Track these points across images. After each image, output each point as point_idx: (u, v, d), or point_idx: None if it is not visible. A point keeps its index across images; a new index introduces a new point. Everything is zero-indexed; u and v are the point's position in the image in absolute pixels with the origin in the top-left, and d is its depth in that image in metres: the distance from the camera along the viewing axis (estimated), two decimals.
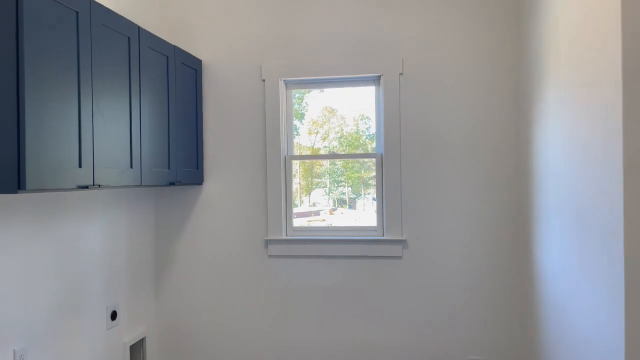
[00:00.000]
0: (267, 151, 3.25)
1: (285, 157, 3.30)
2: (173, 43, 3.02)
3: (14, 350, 2.11)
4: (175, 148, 2.88)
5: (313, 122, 3.46)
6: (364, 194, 3.48)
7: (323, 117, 3.46)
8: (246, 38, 3.28)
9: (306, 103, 3.44)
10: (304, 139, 3.42)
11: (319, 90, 3.44)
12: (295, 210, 3.37)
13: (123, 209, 2.96)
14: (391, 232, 3.14)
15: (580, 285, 2.16)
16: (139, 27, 2.50)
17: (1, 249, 2.06)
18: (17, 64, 1.72)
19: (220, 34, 3.31)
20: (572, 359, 2.26)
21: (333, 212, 3.50)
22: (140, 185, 2.50)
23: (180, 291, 3.35)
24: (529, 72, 2.81)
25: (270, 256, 3.26)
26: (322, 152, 3.48)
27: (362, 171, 3.45)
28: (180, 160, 2.94)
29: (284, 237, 3.25)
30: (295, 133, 3.40)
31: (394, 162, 3.13)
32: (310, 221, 3.49)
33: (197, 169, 3.21)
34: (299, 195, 3.40)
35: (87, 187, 2.03)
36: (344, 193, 3.55)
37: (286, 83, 3.32)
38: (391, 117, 3.13)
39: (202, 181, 3.30)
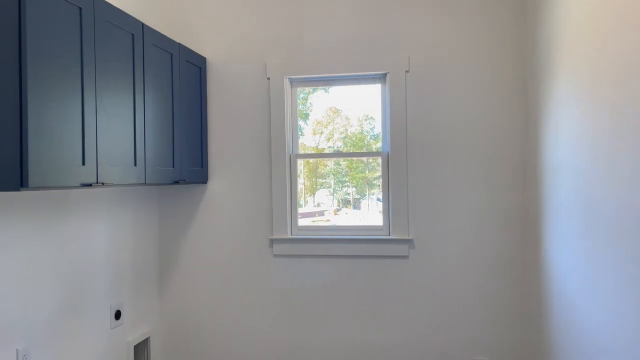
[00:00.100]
0: (272, 149, 3.22)
1: (290, 155, 3.27)
2: (177, 40, 2.99)
3: (16, 350, 2.09)
4: (180, 146, 2.85)
5: (317, 123, 3.43)
6: (369, 194, 3.45)
7: (327, 118, 3.43)
8: (251, 36, 3.26)
9: (310, 103, 3.42)
10: (308, 139, 3.39)
11: (323, 91, 3.41)
12: (299, 210, 3.34)
13: (127, 207, 2.94)
14: (397, 231, 3.11)
15: (594, 285, 2.12)
16: (143, 24, 2.47)
17: (4, 247, 2.04)
18: (20, 60, 1.70)
19: (225, 31, 3.28)
20: None
21: (337, 213, 3.48)
22: (145, 184, 2.48)
23: (185, 290, 3.32)
24: (537, 68, 2.78)
25: (275, 255, 3.23)
26: (326, 152, 3.45)
27: (367, 171, 3.42)
28: (184, 159, 2.92)
29: (289, 236, 3.22)
30: (300, 133, 3.37)
31: (400, 160, 3.10)
32: (314, 221, 3.47)
33: (202, 167, 3.19)
34: (303, 195, 3.37)
35: (90, 185, 2.01)
36: (348, 193, 3.52)
37: (291, 81, 3.29)
38: (397, 115, 3.10)
39: (207, 180, 3.28)
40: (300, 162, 3.39)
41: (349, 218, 3.48)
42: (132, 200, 2.99)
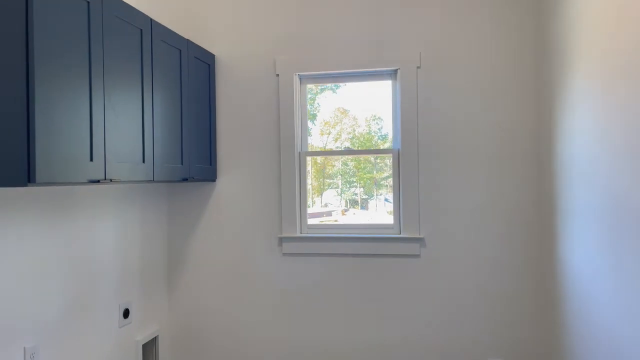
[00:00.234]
0: (281, 147, 3.19)
1: (300, 153, 3.24)
2: (186, 37, 2.97)
3: (24, 348, 2.08)
4: (188, 143, 2.83)
5: (325, 123, 3.40)
6: (376, 195, 3.41)
7: (335, 118, 3.40)
8: (260, 32, 3.23)
9: (318, 104, 3.38)
10: (316, 140, 3.36)
11: (331, 91, 3.38)
12: (307, 210, 3.30)
13: (135, 205, 2.92)
14: (408, 229, 3.06)
15: (613, 283, 2.07)
16: (151, 19, 2.45)
17: (12, 244, 2.03)
18: (27, 55, 1.67)
19: (234, 28, 3.26)
20: None
21: (345, 213, 3.44)
22: (153, 181, 2.46)
23: (193, 289, 3.30)
24: (552, 64, 2.72)
25: (284, 254, 3.19)
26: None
27: (374, 171, 3.38)
28: (193, 156, 2.89)
29: (298, 234, 3.19)
30: (307, 134, 3.34)
31: (411, 157, 3.05)
32: (322, 222, 3.43)
33: (210, 165, 3.16)
34: (310, 196, 3.34)
35: (98, 181, 1.99)
36: (356, 194, 3.49)
37: (300, 78, 3.26)
38: (408, 111, 3.06)
39: (216, 178, 3.25)
40: (308, 163, 3.35)
41: (357, 218, 3.44)
42: (140, 198, 2.97)
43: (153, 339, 3.09)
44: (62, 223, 2.31)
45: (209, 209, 3.29)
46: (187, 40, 2.85)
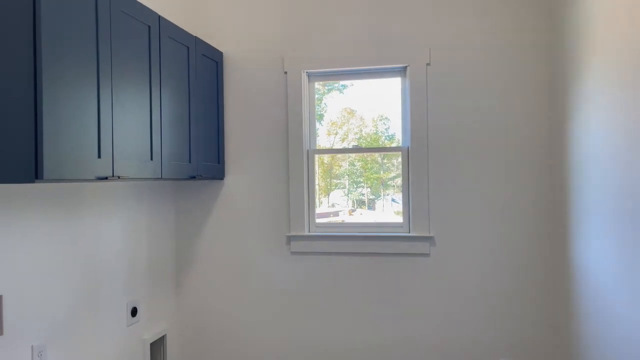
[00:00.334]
0: (290, 145, 3.16)
1: (308, 151, 3.21)
2: (194, 34, 2.95)
3: (32, 346, 2.06)
4: (196, 141, 2.81)
5: (332, 124, 3.38)
6: (383, 195, 3.38)
7: (342, 118, 3.38)
8: (268, 29, 3.20)
9: (325, 104, 3.36)
10: (323, 140, 3.33)
11: (338, 92, 3.35)
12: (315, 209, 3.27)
13: (143, 203, 2.91)
14: (418, 228, 3.03)
15: (632, 288, 2.03)
16: (159, 15, 2.43)
17: (20, 242, 2.02)
18: (35, 50, 1.66)
19: (242, 25, 3.24)
20: None
21: (352, 213, 3.41)
22: (161, 178, 2.44)
23: (201, 287, 3.28)
24: (565, 59, 2.67)
25: (292, 253, 3.17)
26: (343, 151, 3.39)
27: (382, 172, 3.35)
28: (201, 154, 2.87)
29: (306, 233, 3.16)
30: (316, 131, 3.31)
31: (421, 155, 3.02)
32: (329, 222, 3.40)
33: (219, 163, 3.15)
34: (317, 195, 3.31)
35: (106, 178, 1.97)
36: (363, 194, 3.46)
37: (309, 75, 3.23)
38: (418, 109, 3.02)
39: (224, 176, 3.23)
40: (315, 164, 3.31)
41: (364, 219, 3.41)
42: (147, 197, 2.96)
43: (161, 337, 3.07)
44: (69, 221, 2.30)
45: (217, 208, 3.27)
46: (195, 37, 2.83)
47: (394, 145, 3.25)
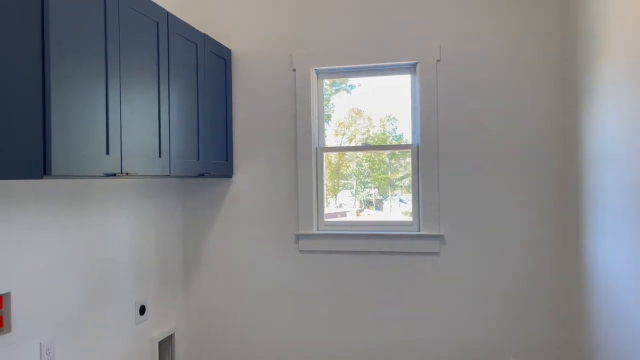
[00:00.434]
0: (298, 143, 3.14)
1: (317, 148, 3.19)
2: (202, 31, 2.94)
3: (40, 344, 2.06)
4: (205, 139, 2.80)
5: (339, 124, 3.35)
6: (391, 195, 3.36)
7: (349, 119, 3.35)
8: (276, 27, 3.19)
9: (332, 104, 3.34)
10: (330, 141, 3.31)
11: (345, 92, 3.32)
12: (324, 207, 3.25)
13: (151, 201, 2.90)
14: (428, 226, 3.00)
15: None
16: (167, 12, 2.42)
17: (28, 238, 2.01)
18: (43, 46, 1.65)
19: (250, 22, 3.22)
20: None
21: (360, 214, 3.39)
22: (169, 176, 2.43)
23: (209, 286, 3.27)
24: (576, 54, 2.63)
25: (301, 251, 3.15)
26: (348, 153, 3.36)
27: (389, 172, 3.32)
28: (209, 152, 2.86)
29: (315, 231, 3.14)
30: (324, 129, 3.28)
31: (431, 152, 2.98)
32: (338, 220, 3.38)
33: (227, 161, 3.13)
34: (325, 196, 3.28)
35: (114, 174, 1.96)
36: (370, 194, 3.43)
37: (317, 72, 3.21)
38: (428, 106, 2.99)
39: (232, 174, 3.22)
40: (324, 160, 3.28)
41: (372, 219, 3.38)
42: (155, 195, 2.95)
43: (169, 336, 3.06)
44: (77, 219, 2.29)
45: (225, 206, 3.25)
46: (204, 34, 2.82)
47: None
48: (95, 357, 2.40)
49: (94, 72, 1.89)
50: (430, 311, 3.00)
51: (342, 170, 3.43)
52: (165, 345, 3.05)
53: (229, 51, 3.18)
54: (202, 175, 2.75)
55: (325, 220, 3.23)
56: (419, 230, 3.05)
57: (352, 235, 3.09)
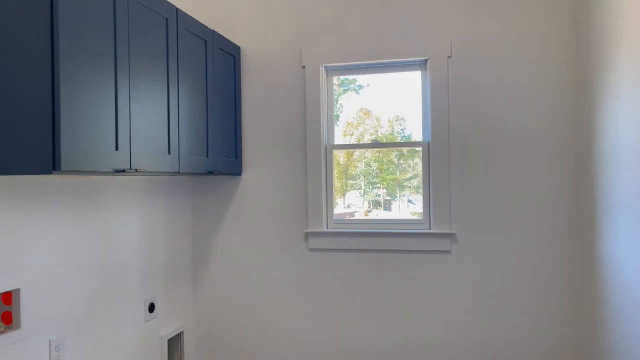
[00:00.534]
0: (308, 140, 3.12)
1: (326, 146, 3.17)
2: (211, 28, 2.92)
3: (49, 340, 2.05)
4: (214, 136, 2.78)
5: (348, 124, 3.33)
6: (399, 196, 3.33)
7: (358, 119, 3.33)
8: (285, 23, 3.17)
9: (341, 104, 3.31)
10: (339, 141, 3.28)
11: (354, 92, 3.30)
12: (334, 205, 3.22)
13: (160, 199, 2.89)
14: (439, 225, 2.96)
15: None
16: (177, 8, 2.41)
17: (37, 235, 2.00)
18: (52, 43, 1.64)
19: (259, 19, 3.20)
20: None
21: (368, 214, 3.36)
22: (178, 173, 2.42)
23: (218, 284, 3.25)
24: (590, 51, 2.59)
25: (310, 249, 3.13)
26: (356, 154, 3.34)
27: (397, 172, 3.29)
28: (218, 149, 2.84)
29: (324, 229, 3.11)
30: (334, 127, 3.25)
31: (442, 149, 2.95)
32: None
33: (236, 158, 3.12)
34: (334, 194, 3.26)
35: (123, 170, 1.95)
36: (378, 195, 3.40)
37: (327, 69, 3.19)
38: (439, 103, 2.96)
39: (241, 172, 3.20)
40: (333, 158, 3.25)
41: (382, 217, 3.35)
42: (164, 192, 2.94)
43: (178, 334, 3.05)
44: (86, 216, 2.29)
45: (234, 204, 3.24)
46: (213, 30, 2.81)
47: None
48: (104, 354, 2.40)
49: (103, 68, 1.88)
50: (441, 310, 2.96)
51: (350, 171, 3.41)
52: (175, 343, 3.04)
53: (237, 48, 3.16)
54: (211, 172, 2.74)
55: (335, 218, 3.21)
56: (430, 229, 3.02)
57: (362, 233, 3.06)
